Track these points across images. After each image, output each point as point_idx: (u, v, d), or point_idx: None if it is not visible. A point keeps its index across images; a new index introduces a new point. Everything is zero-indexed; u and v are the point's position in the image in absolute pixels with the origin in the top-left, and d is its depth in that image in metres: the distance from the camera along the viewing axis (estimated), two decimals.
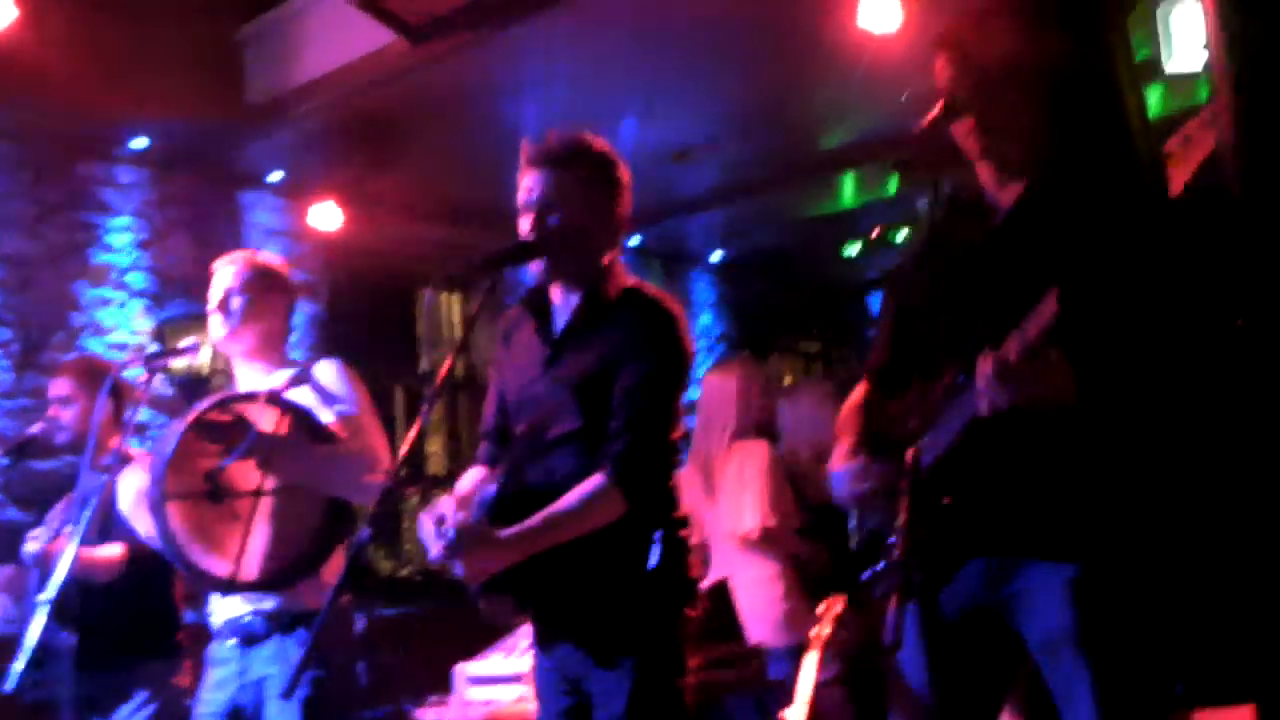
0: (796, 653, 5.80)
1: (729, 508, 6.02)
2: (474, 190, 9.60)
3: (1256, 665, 2.29)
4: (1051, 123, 2.85)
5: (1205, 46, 1.91)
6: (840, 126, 9.06)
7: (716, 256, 11.90)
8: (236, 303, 4.38)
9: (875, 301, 13.51)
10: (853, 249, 10.83)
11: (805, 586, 6.03)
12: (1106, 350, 2.80)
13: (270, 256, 4.69)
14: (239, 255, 4.54)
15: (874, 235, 10.62)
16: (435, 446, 10.41)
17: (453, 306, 10.41)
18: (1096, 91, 2.04)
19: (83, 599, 4.35)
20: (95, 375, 5.17)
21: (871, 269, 12.05)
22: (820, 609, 5.19)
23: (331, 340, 9.03)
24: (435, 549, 3.26)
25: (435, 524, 3.30)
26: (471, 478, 3.65)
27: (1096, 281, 2.66)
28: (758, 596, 6.02)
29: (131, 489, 4.65)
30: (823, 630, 5.12)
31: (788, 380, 13.02)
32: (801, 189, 10.23)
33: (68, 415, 5.25)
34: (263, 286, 4.44)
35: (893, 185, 9.93)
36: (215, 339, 4.43)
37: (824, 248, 11.15)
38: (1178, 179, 2.71)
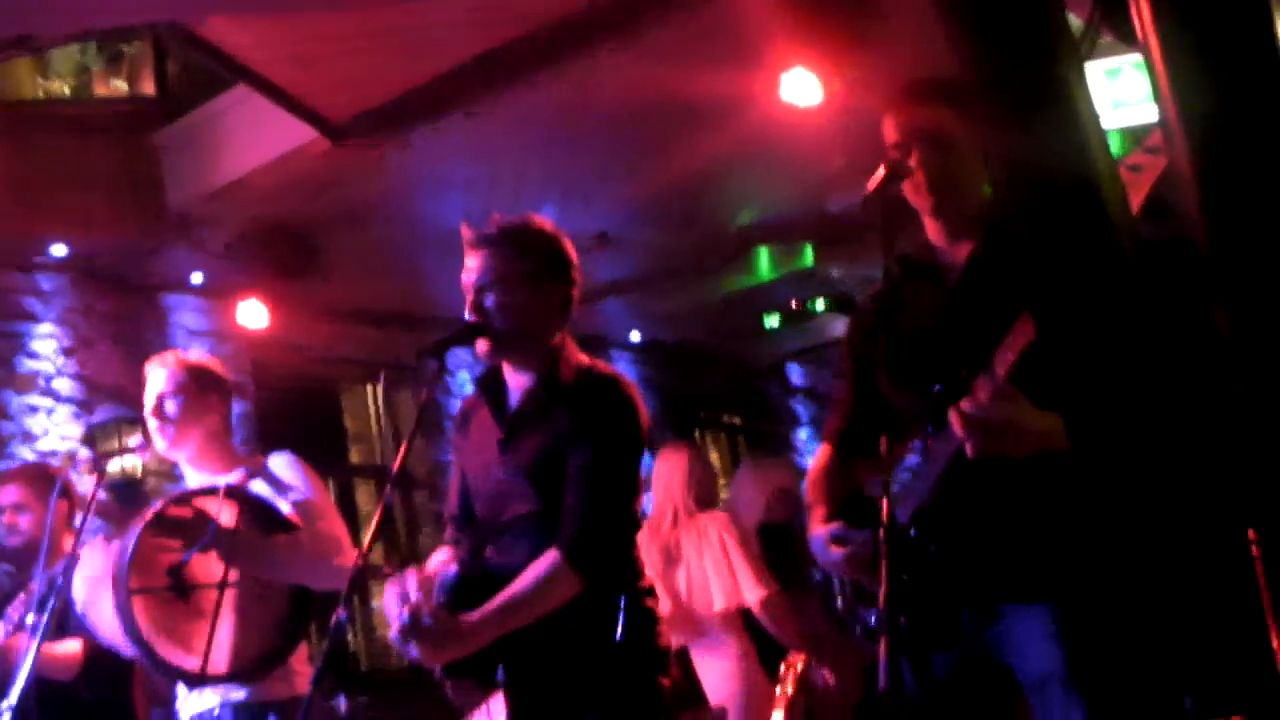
0: None
1: (697, 581, 6.12)
2: (395, 288, 9.66)
3: (1247, 677, 2.38)
4: (1006, 174, 2.95)
5: (1155, 99, 2.01)
6: (756, 202, 9.19)
7: (636, 337, 11.98)
8: (171, 406, 4.35)
9: (796, 373, 13.63)
10: (772, 321, 10.91)
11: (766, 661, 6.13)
12: (1078, 382, 2.89)
13: (201, 355, 4.66)
14: (169, 356, 4.49)
15: (793, 306, 10.71)
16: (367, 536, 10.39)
17: (378, 399, 10.42)
18: (1056, 137, 2.13)
19: (43, 703, 4.31)
20: (47, 480, 5.16)
21: (791, 341, 12.16)
22: (781, 669, 5.25)
23: (261, 437, 8.98)
24: (394, 629, 3.29)
25: (399, 600, 3.33)
26: (439, 558, 3.68)
27: (1069, 314, 2.75)
28: (718, 673, 6.08)
29: (87, 581, 4.61)
30: (786, 689, 5.16)
31: (714, 457, 13.14)
32: (718, 266, 10.34)
33: (24, 521, 5.23)
34: (197, 386, 4.40)
35: (808, 256, 10.07)
36: (157, 447, 4.40)
37: (743, 322, 11.24)
38: (1142, 190, 2.83)
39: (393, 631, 3.30)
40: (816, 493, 3.41)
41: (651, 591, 3.53)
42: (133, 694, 5.20)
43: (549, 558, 3.34)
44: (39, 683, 4.17)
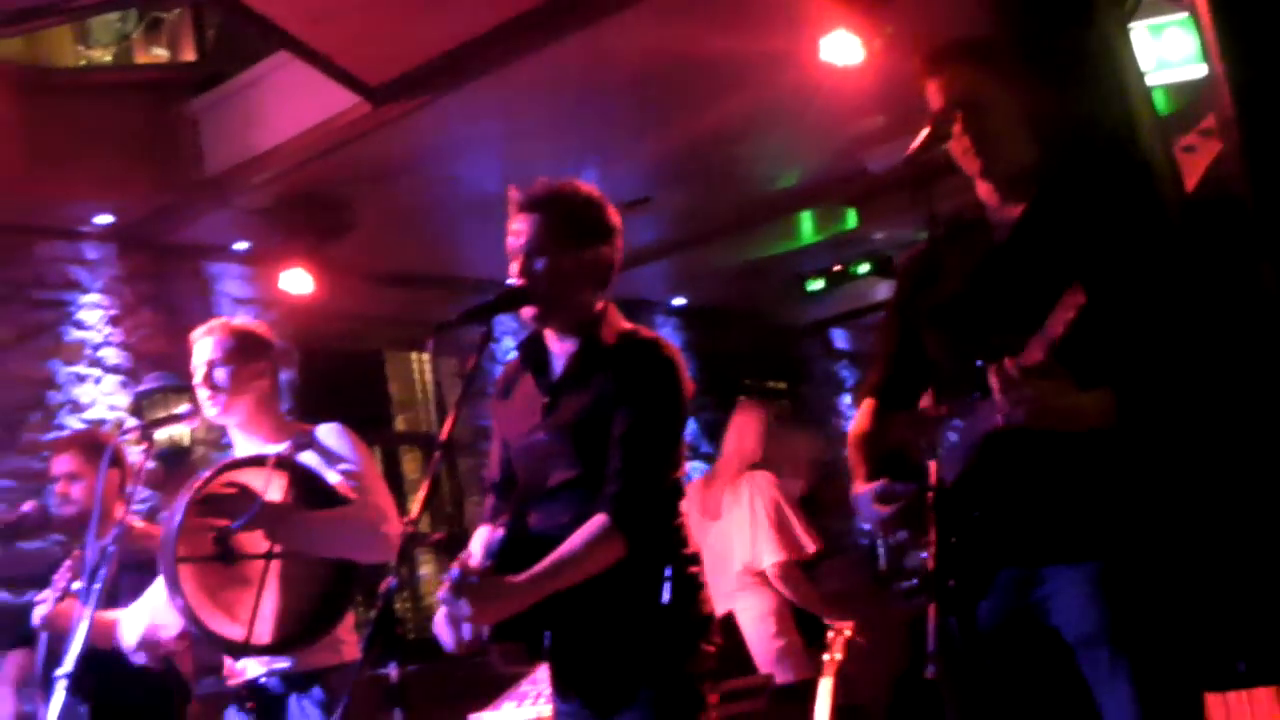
0: (792, 690, 5.92)
1: (732, 537, 6.18)
2: (436, 251, 9.67)
3: None
4: (1053, 135, 2.94)
5: (1203, 59, 1.98)
6: (796, 164, 9.14)
7: (679, 301, 11.95)
8: (221, 374, 4.35)
9: (839, 337, 13.58)
10: (816, 284, 10.89)
11: (801, 622, 6.17)
12: (1130, 353, 2.88)
13: (247, 321, 4.66)
14: (215, 324, 4.48)
15: (835, 269, 10.70)
16: (414, 504, 10.41)
17: (424, 366, 10.43)
18: (1101, 97, 2.11)
19: (95, 671, 4.34)
20: (100, 449, 5.17)
21: (834, 304, 12.12)
22: (830, 635, 5.25)
23: (306, 405, 9.00)
24: (442, 589, 3.30)
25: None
26: (479, 539, 3.66)
27: (1118, 278, 2.73)
28: (753, 631, 6.11)
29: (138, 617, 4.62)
30: (835, 655, 5.17)
31: None
32: (760, 229, 10.30)
33: (77, 490, 5.25)
34: (245, 352, 4.40)
35: (851, 219, 10.02)
36: (207, 414, 4.40)
37: (786, 285, 11.22)
38: (1196, 170, 2.79)
39: (440, 592, 3.31)
40: (858, 452, 3.41)
41: (696, 558, 3.54)
42: (184, 660, 5.23)
43: (595, 521, 3.35)
44: (92, 650, 4.18)
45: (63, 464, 5.33)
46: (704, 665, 3.45)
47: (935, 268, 3.28)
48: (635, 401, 3.42)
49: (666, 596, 3.40)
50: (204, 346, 4.40)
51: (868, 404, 3.48)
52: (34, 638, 5.11)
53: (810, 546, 6.12)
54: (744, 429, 6.50)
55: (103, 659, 4.68)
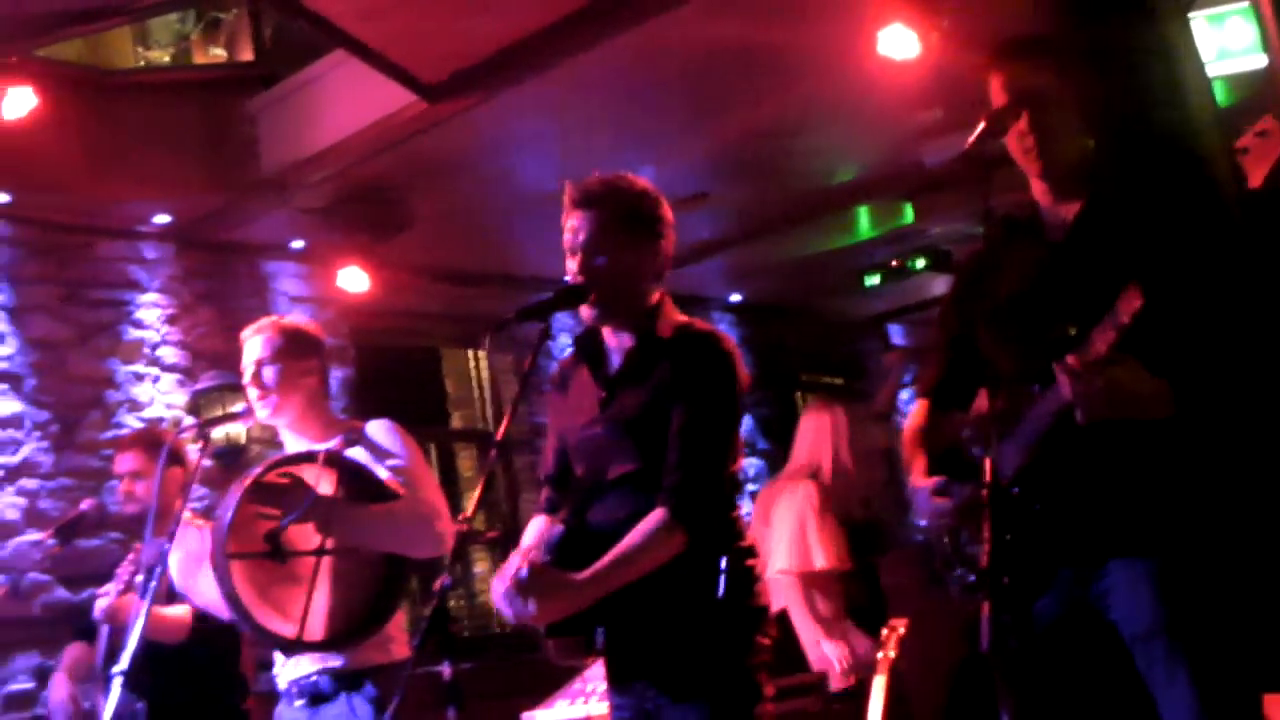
0: (846, 689, 5.92)
1: (770, 541, 6.19)
2: (492, 248, 9.69)
3: None
4: (1108, 131, 2.91)
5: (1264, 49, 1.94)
6: (852, 158, 9.10)
7: (736, 297, 11.92)
8: (269, 373, 4.34)
9: (896, 332, 13.52)
10: (873, 279, 10.85)
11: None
12: (1188, 346, 2.84)
13: (296, 318, 4.65)
14: (265, 323, 4.48)
15: (893, 264, 10.65)
16: (470, 501, 10.47)
17: (480, 363, 10.45)
18: (1158, 92, 2.07)
19: (152, 667, 4.35)
20: (162, 446, 5.18)
21: (890, 299, 12.07)
22: (884, 632, 5.24)
23: (362, 403, 9.03)
24: (506, 584, 3.29)
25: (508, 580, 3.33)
26: (534, 529, 3.68)
27: (1177, 273, 2.71)
28: None
29: (183, 559, 4.63)
30: (888, 653, 5.15)
31: None
32: (817, 225, 10.26)
33: (140, 488, 5.29)
34: (294, 350, 4.40)
35: (908, 214, 9.97)
36: (259, 416, 4.41)
37: (843, 280, 11.18)
38: (1256, 174, 2.74)
39: (504, 587, 3.29)
40: (914, 448, 3.41)
41: (752, 551, 3.54)
42: (242, 657, 5.26)
43: (655, 515, 3.35)
44: (150, 646, 4.19)
45: (126, 462, 5.36)
46: (760, 657, 3.45)
47: (992, 267, 3.25)
48: (692, 395, 3.42)
49: (722, 589, 3.39)
50: (253, 345, 4.39)
51: (920, 405, 3.48)
52: (93, 632, 5.15)
53: (816, 563, 6.10)
54: (816, 433, 6.46)
55: (164, 654, 4.71)
